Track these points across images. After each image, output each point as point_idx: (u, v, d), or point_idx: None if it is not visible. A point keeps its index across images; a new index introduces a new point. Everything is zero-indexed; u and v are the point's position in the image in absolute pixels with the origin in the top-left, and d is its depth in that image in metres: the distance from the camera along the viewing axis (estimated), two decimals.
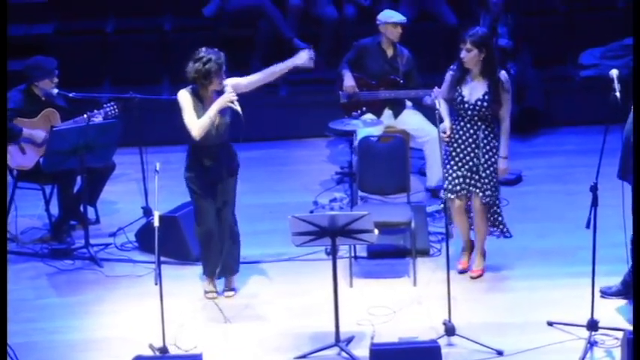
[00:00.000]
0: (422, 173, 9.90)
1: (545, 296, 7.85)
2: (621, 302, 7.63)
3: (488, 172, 7.99)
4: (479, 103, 7.90)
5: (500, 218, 8.12)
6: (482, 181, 7.99)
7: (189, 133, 7.68)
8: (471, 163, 8.00)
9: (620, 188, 7.32)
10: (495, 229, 8.16)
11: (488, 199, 7.99)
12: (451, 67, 8.04)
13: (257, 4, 11.43)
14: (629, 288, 7.60)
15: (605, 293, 7.66)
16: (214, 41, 11.18)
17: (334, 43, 11.33)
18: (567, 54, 11.66)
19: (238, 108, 7.69)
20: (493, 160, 7.99)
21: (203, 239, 7.92)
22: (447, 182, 8.04)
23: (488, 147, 7.98)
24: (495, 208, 8.08)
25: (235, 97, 7.69)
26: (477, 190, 8.00)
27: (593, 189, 7.08)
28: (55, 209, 9.06)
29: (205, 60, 7.66)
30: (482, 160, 7.98)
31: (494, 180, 8.01)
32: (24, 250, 8.79)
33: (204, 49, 7.73)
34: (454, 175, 8.03)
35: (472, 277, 8.14)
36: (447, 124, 7.99)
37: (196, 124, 7.67)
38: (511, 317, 7.62)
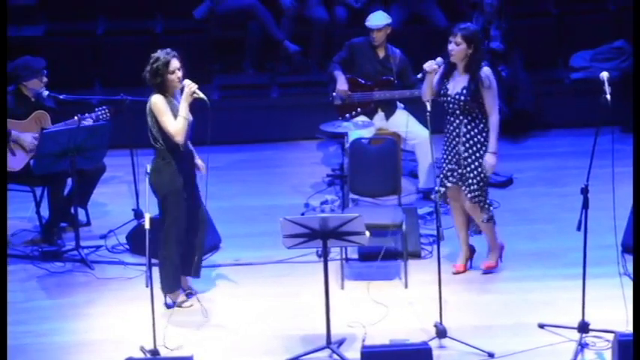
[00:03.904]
0: (413, 175, 9.90)
1: (536, 298, 7.85)
2: (612, 305, 7.64)
3: (472, 167, 7.95)
4: (457, 96, 7.90)
5: (490, 213, 8.06)
6: (466, 175, 7.98)
7: (171, 139, 7.49)
8: (457, 157, 8.01)
9: (611, 191, 7.32)
10: (472, 224, 8.13)
11: (474, 194, 7.96)
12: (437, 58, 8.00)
13: (248, 5, 11.43)
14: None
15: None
16: (205, 43, 11.25)
17: (325, 45, 11.33)
18: (558, 57, 11.68)
19: (202, 95, 7.59)
20: (477, 155, 7.93)
21: (182, 244, 7.74)
22: (441, 175, 8.05)
23: (471, 142, 7.94)
24: (485, 205, 8.00)
25: (196, 86, 7.58)
26: (463, 186, 7.99)
27: (584, 191, 7.08)
28: (45, 211, 9.05)
29: (153, 60, 7.58)
30: (465, 155, 7.96)
31: (480, 176, 7.96)
32: (14, 252, 8.75)
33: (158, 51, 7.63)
34: (446, 167, 8.05)
35: (483, 271, 8.15)
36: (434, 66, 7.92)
37: (176, 127, 7.51)
38: (502, 319, 7.62)
